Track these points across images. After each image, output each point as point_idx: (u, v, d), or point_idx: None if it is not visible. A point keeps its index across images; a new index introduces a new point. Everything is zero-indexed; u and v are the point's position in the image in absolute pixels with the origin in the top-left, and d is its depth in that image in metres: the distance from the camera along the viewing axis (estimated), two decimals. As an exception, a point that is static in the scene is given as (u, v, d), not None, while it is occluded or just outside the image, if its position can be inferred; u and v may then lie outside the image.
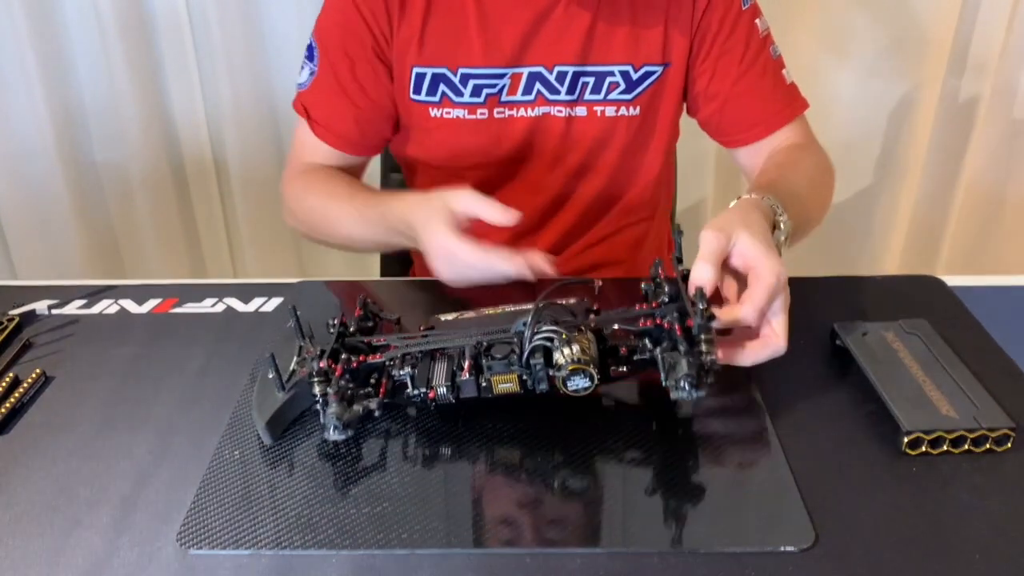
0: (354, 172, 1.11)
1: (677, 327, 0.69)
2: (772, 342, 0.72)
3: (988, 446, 0.68)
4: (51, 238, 1.81)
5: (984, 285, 0.98)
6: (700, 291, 0.69)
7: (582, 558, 0.60)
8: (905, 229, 1.92)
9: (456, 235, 0.86)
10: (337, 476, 0.67)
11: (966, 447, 0.68)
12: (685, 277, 0.75)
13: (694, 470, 0.67)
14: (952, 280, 0.95)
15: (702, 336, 0.68)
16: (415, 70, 1.01)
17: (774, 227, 0.82)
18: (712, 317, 0.68)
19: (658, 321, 0.72)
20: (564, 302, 0.76)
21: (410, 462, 0.69)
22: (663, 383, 0.68)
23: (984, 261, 1.99)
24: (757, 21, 1.03)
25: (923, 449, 0.68)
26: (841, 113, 1.81)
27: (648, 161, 1.10)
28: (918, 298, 0.92)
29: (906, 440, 0.68)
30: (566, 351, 0.69)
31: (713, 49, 1.02)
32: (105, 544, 0.61)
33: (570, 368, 0.68)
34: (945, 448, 0.68)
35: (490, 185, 1.09)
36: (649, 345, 0.71)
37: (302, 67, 1.06)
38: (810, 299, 0.92)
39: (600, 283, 0.85)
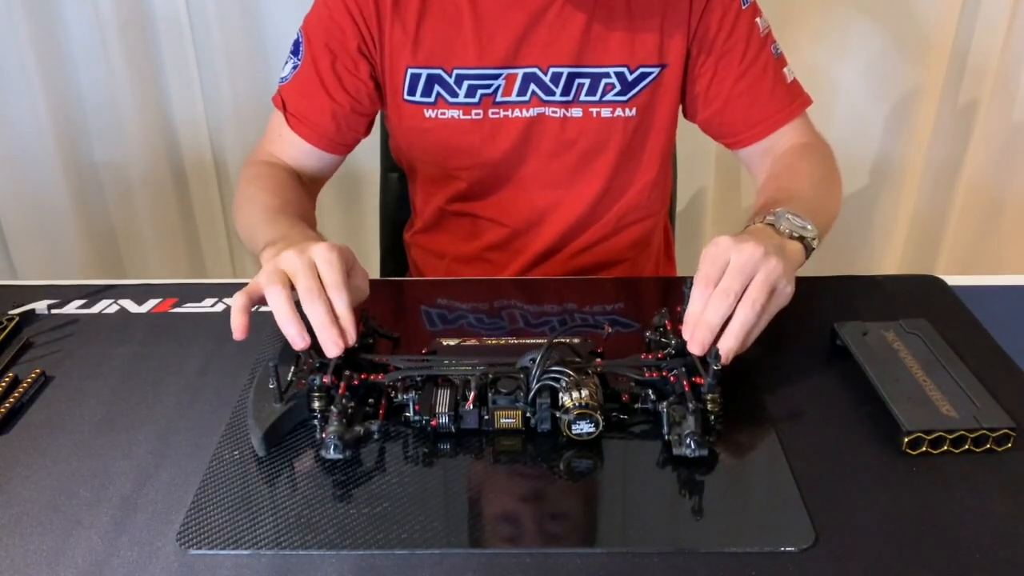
0: (319, 177, 1.09)
1: (685, 382, 0.70)
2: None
3: (989, 446, 0.68)
4: (51, 238, 1.80)
5: (985, 285, 0.98)
6: (715, 351, 0.69)
7: (582, 558, 0.60)
8: (906, 228, 1.92)
9: (343, 258, 0.75)
10: (337, 476, 0.67)
11: (966, 447, 0.68)
12: None
13: (694, 470, 0.67)
14: (953, 280, 0.95)
15: (709, 395, 0.69)
16: (410, 71, 1.01)
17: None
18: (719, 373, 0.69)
19: (664, 373, 0.72)
20: (569, 341, 0.77)
21: (410, 462, 0.69)
22: (665, 436, 0.69)
23: (985, 261, 1.98)
24: (757, 20, 1.03)
25: (923, 449, 0.68)
26: (842, 113, 1.80)
27: (645, 162, 1.09)
28: (918, 298, 0.92)
29: (906, 440, 0.68)
30: (574, 394, 0.69)
31: (713, 50, 1.02)
32: (105, 544, 0.61)
33: (576, 412, 0.68)
34: (945, 448, 0.68)
35: (485, 185, 1.09)
36: (653, 396, 0.72)
37: (286, 61, 1.06)
38: (810, 299, 0.91)
39: (611, 330, 0.84)
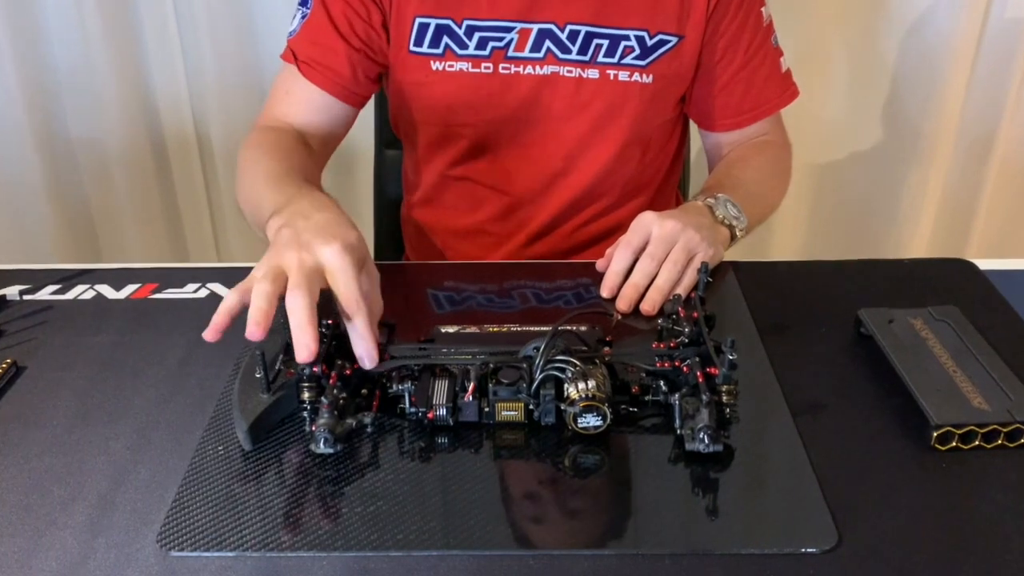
0: (329, 139, 1.08)
1: (699, 373, 0.69)
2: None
3: (1023, 441, 0.68)
4: (23, 219, 1.80)
5: (1019, 269, 0.98)
6: (730, 340, 0.69)
7: (589, 560, 0.59)
8: (935, 209, 1.91)
9: (356, 264, 0.72)
10: (328, 472, 0.67)
11: (999, 442, 0.68)
12: (708, 319, 0.76)
13: (709, 466, 0.67)
14: (984, 263, 0.95)
15: (724, 387, 0.68)
16: (417, 20, 1.02)
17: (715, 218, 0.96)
18: (735, 366, 0.69)
19: (676, 363, 0.72)
20: (575, 328, 0.76)
21: (406, 457, 0.69)
22: (677, 430, 0.69)
23: (1019, 243, 1.98)
24: (763, 10, 1.08)
25: (953, 444, 0.68)
26: (868, 89, 1.80)
27: (660, 132, 1.12)
28: (948, 283, 0.92)
29: (935, 435, 0.68)
30: (580, 385, 0.69)
31: (726, 35, 1.06)
32: (80, 545, 0.61)
33: (583, 405, 0.68)
34: (977, 443, 0.68)
35: (490, 147, 1.09)
36: (665, 388, 0.72)
37: (293, 15, 1.07)
38: (834, 284, 0.91)
39: (619, 316, 0.86)
